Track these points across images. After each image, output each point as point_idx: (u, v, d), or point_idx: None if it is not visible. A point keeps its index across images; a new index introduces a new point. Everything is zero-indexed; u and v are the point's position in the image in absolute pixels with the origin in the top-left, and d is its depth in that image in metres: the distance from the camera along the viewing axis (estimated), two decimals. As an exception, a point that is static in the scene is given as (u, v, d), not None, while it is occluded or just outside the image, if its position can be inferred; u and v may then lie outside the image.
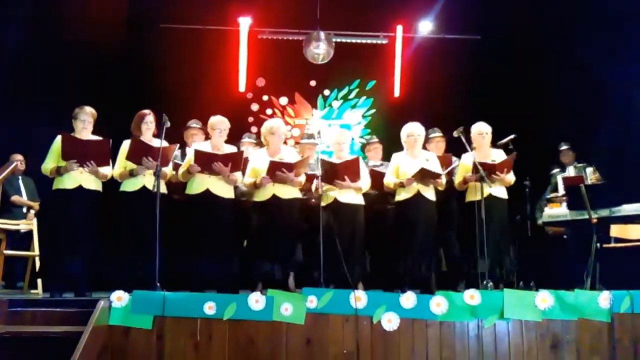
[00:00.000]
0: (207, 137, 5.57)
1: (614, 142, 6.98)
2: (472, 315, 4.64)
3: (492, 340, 4.62)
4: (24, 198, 6.74)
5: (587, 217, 5.39)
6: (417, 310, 4.60)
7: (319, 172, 5.19)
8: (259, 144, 6.05)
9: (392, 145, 6.16)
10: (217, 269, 5.12)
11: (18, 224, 6.17)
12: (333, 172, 5.24)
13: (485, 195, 5.29)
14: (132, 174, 5.16)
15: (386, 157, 6.17)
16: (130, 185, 5.18)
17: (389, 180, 5.54)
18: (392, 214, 5.65)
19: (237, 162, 5.22)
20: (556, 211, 5.99)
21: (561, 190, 6.32)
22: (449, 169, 5.65)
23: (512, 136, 5.79)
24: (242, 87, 8.69)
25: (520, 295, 4.74)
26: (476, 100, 7.96)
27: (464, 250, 5.69)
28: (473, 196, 5.54)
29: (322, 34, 8.21)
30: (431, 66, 8.64)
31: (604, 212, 5.44)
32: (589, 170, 6.50)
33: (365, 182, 5.45)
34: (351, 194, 5.36)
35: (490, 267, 5.19)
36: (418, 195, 5.39)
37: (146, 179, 5.13)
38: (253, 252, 5.25)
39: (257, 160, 5.37)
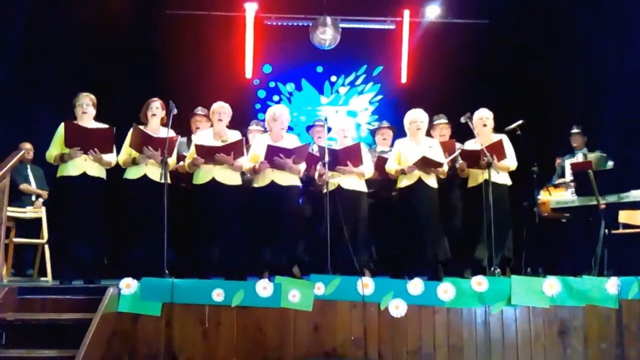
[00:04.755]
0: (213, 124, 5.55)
1: (623, 127, 6.92)
2: (480, 301, 4.64)
3: (500, 326, 4.63)
4: (32, 186, 6.76)
5: (595, 203, 5.37)
6: (424, 297, 4.61)
7: (324, 158, 5.17)
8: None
9: (398, 131, 6.12)
10: (224, 256, 5.13)
11: (25, 212, 6.20)
12: (335, 159, 5.22)
13: (483, 181, 5.24)
14: (134, 161, 5.17)
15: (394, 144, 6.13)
16: (132, 173, 5.20)
17: (391, 167, 5.52)
18: (395, 201, 5.63)
19: (238, 149, 5.20)
20: (563, 197, 5.97)
21: (568, 176, 6.28)
22: (452, 157, 5.61)
23: (520, 122, 5.73)
24: (248, 74, 8.68)
25: (527, 281, 4.73)
26: (484, 86, 7.90)
27: (466, 236, 5.67)
28: (472, 182, 5.54)
29: (328, 19, 8.16)
30: (439, 51, 8.57)
31: (612, 198, 5.43)
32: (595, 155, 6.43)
33: (368, 168, 5.42)
34: (354, 180, 5.34)
35: (485, 252, 5.14)
36: (419, 182, 5.37)
37: (148, 168, 5.15)
38: (254, 238, 5.23)
39: (258, 146, 5.35)
